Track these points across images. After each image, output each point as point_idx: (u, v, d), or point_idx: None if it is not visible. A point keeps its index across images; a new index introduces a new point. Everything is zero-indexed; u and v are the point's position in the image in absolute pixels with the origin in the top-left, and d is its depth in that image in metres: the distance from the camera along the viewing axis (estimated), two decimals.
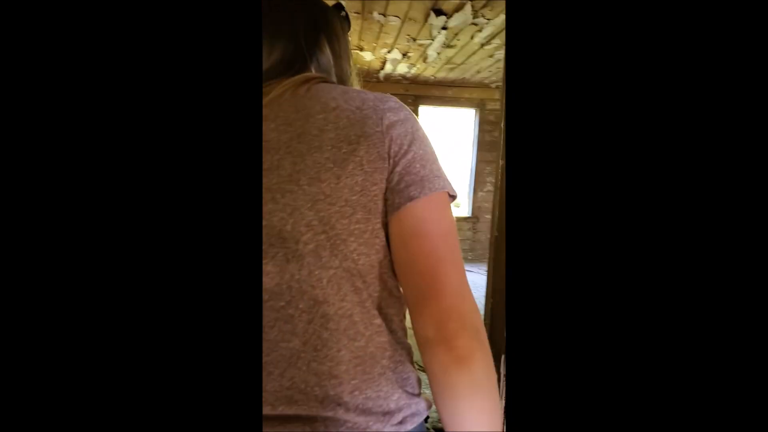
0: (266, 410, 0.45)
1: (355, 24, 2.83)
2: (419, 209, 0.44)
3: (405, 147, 0.46)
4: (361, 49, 3.53)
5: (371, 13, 2.60)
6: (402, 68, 4.17)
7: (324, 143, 0.45)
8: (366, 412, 0.45)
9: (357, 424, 0.45)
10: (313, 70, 0.55)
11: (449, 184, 0.47)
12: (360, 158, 0.45)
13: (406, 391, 0.48)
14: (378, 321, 0.46)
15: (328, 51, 0.58)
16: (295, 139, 0.46)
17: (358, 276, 0.46)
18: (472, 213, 5.29)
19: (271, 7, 0.55)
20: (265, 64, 0.53)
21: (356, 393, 0.45)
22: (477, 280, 4.44)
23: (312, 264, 0.45)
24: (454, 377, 0.41)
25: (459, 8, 2.46)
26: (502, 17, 2.56)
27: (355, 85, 0.63)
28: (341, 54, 0.60)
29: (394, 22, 2.75)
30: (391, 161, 0.46)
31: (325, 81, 0.53)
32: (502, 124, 1.69)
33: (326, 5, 0.60)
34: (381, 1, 2.43)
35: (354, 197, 0.45)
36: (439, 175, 0.46)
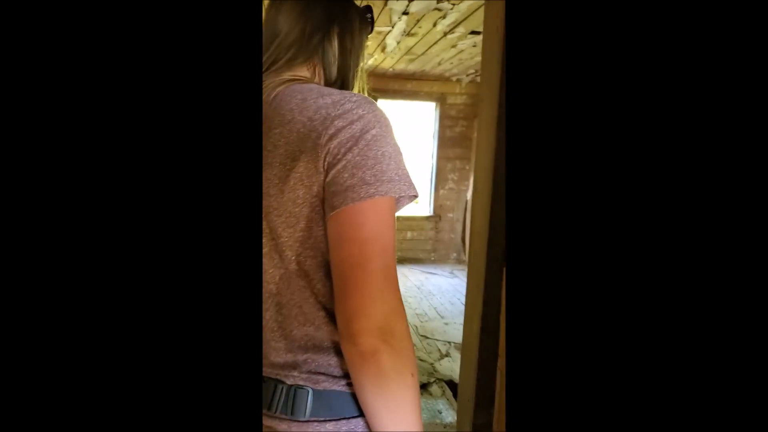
0: None
1: None
2: (341, 218, 0.48)
3: (339, 156, 0.48)
4: None
5: None
6: None
7: (275, 160, 0.51)
8: (318, 374, 0.53)
9: (310, 379, 0.53)
10: (316, 61, 0.60)
11: (386, 187, 0.48)
12: (300, 174, 0.50)
13: None
14: (322, 313, 0.53)
15: (335, 44, 0.61)
16: None
17: (304, 275, 0.52)
18: (434, 211, 5.12)
19: None
20: (270, 48, 0.58)
21: (309, 361, 0.53)
22: (441, 283, 4.27)
23: (267, 264, 0.54)
24: (357, 373, 0.47)
25: None
26: (468, 3, 2.35)
27: (358, 83, 0.65)
28: (350, 50, 0.62)
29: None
30: (325, 173, 0.49)
31: (302, 81, 0.57)
32: (478, 121, 1.48)
33: (350, 0, 0.63)
34: None
35: (296, 209, 0.51)
36: (371, 182, 0.47)
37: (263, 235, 0.53)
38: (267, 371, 0.55)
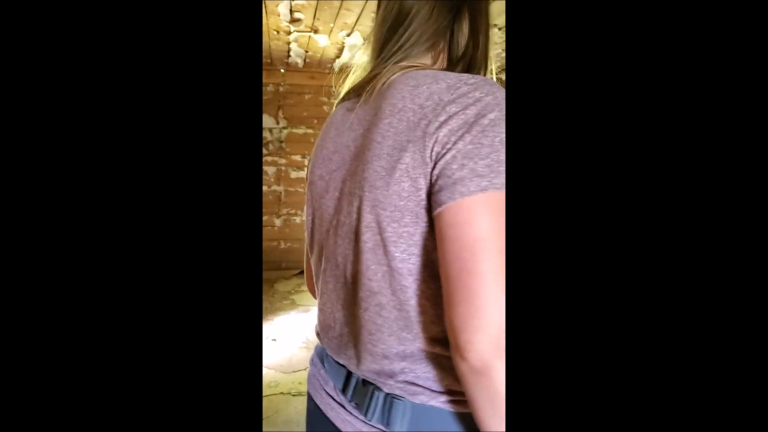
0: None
1: None
2: (448, 215, 0.43)
3: (449, 145, 0.44)
4: (316, 32, 3.00)
5: None
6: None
7: (382, 152, 0.49)
8: (416, 385, 0.50)
9: (406, 390, 0.50)
10: (442, 45, 0.57)
11: (501, 179, 0.42)
12: (406, 165, 0.46)
13: (452, 374, 0.48)
14: (424, 318, 0.49)
15: (465, 25, 0.57)
16: (366, 147, 0.51)
17: (407, 274, 0.48)
18: None
19: None
20: (390, 36, 0.56)
21: (406, 371, 0.50)
22: None
23: (369, 260, 0.50)
24: (469, 389, 0.43)
25: None
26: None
27: (485, 64, 0.60)
28: (480, 29, 0.58)
29: None
30: (432, 163, 0.45)
31: (419, 68, 0.53)
32: None
33: None
34: None
35: (401, 203, 0.47)
36: (484, 174, 0.43)
37: (369, 229, 0.49)
38: (364, 374, 0.54)
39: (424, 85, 0.47)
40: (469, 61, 0.57)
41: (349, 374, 0.57)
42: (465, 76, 0.47)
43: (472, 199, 0.42)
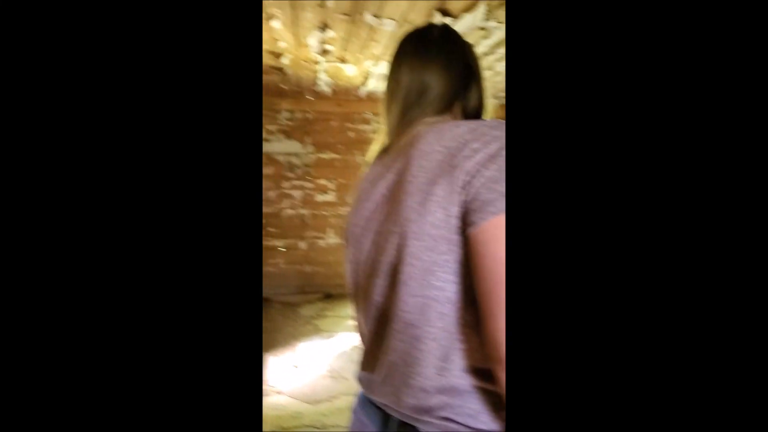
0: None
1: (341, 29, 2.37)
2: (481, 233, 0.47)
3: (476, 174, 0.48)
4: (343, 61, 3.08)
5: (362, 14, 2.16)
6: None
7: (415, 189, 0.52)
8: (455, 422, 0.50)
9: (446, 428, 0.50)
10: (460, 107, 0.64)
11: None
12: (437, 196, 0.50)
13: (491, 409, 0.50)
14: (463, 346, 0.50)
15: (473, 87, 0.64)
16: (399, 189, 0.55)
17: (446, 303, 0.50)
18: None
19: (421, 44, 0.65)
20: (416, 101, 0.62)
21: (444, 406, 0.51)
22: None
23: (405, 292, 0.53)
24: None
25: (469, 9, 2.05)
26: None
27: (486, 107, 0.67)
28: (483, 86, 0.66)
29: (389, 26, 2.32)
30: (463, 191, 0.49)
31: (442, 122, 0.58)
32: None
33: (468, 42, 0.67)
34: (375, 1, 1.98)
35: (435, 231, 0.50)
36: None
37: (405, 261, 0.52)
38: (400, 413, 0.55)
39: (448, 131, 0.53)
40: (478, 111, 0.66)
41: (387, 417, 0.58)
42: (481, 121, 0.54)
43: (502, 216, 0.46)
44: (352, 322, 3.88)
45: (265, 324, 3.70)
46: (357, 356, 3.02)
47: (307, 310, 4.14)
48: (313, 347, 3.24)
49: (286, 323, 3.76)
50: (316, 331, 3.59)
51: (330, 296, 4.59)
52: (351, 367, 2.91)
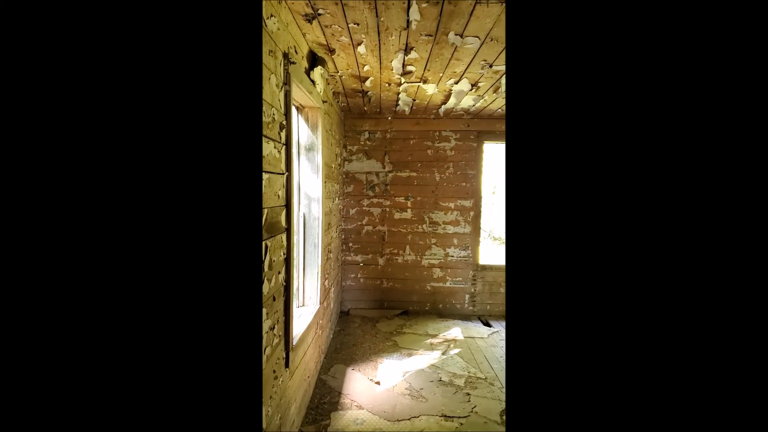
0: None
1: (424, 49, 2.42)
2: None
3: None
4: (425, 82, 3.13)
5: (446, 34, 2.18)
6: (467, 102, 3.73)
7: None
8: None
9: None
10: None
11: None
12: None
13: None
14: None
15: None
16: None
17: None
18: None
19: None
20: None
21: None
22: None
23: None
24: None
25: None
26: None
27: None
28: None
29: (472, 44, 2.32)
30: None
31: None
32: None
33: None
34: (461, 18, 2.00)
35: None
36: None
37: None
38: None
39: None
40: None
41: None
42: None
43: None
44: (430, 341, 3.80)
45: (346, 338, 3.80)
46: (435, 376, 2.94)
47: (385, 326, 4.17)
48: (393, 365, 3.25)
49: (366, 338, 3.82)
50: (396, 348, 3.60)
51: (407, 313, 4.59)
52: (430, 387, 2.86)
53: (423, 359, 3.36)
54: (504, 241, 11.03)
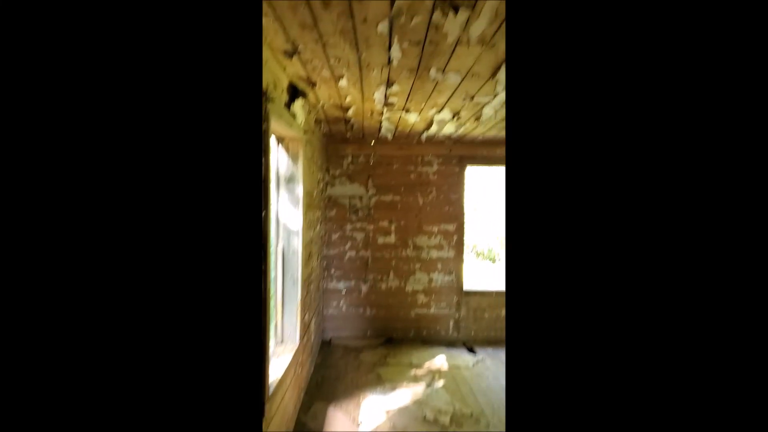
0: None
1: (405, 83, 2.40)
2: None
3: None
4: (407, 111, 3.10)
5: (428, 70, 2.16)
6: (449, 129, 3.72)
7: None
8: None
9: None
10: None
11: None
12: None
13: None
14: None
15: None
16: None
17: None
18: None
19: None
20: None
21: None
22: None
23: None
24: None
25: None
26: None
27: None
28: None
29: (453, 79, 2.30)
30: None
31: None
32: None
33: None
34: (442, 57, 1.98)
35: None
36: None
37: None
38: None
39: None
40: None
41: None
42: None
43: None
44: (414, 372, 3.71)
45: (327, 371, 3.67)
46: (420, 413, 2.84)
47: (368, 356, 4.06)
48: (376, 401, 3.14)
49: (348, 370, 3.70)
50: (379, 381, 3.49)
51: (391, 341, 4.49)
52: (414, 427, 2.76)
53: (407, 394, 3.26)
54: (487, 256, 11.08)
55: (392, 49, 1.87)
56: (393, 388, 3.35)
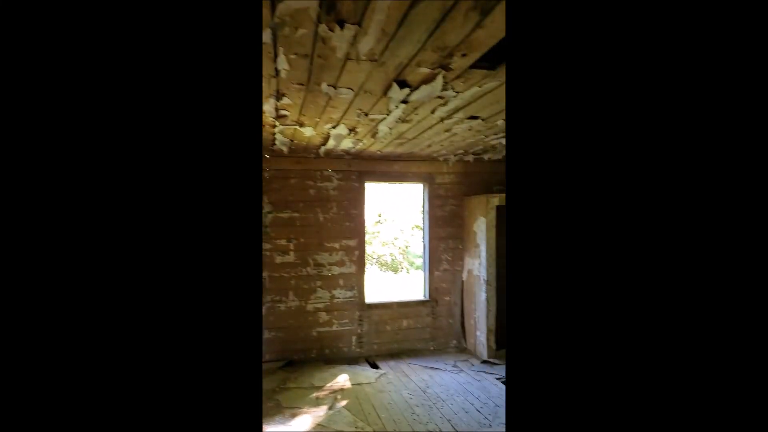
0: None
1: (296, 96, 2.31)
2: None
3: None
4: (301, 125, 3.01)
5: (319, 84, 2.11)
6: (346, 144, 3.71)
7: None
8: None
9: None
10: None
11: None
12: None
13: None
14: None
15: None
16: None
17: None
18: (430, 296, 4.75)
19: None
20: None
21: None
22: (448, 382, 3.78)
23: None
24: None
25: (428, 80, 2.05)
26: (474, 90, 2.21)
27: None
28: None
29: (346, 95, 2.28)
30: None
31: None
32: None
33: None
34: (333, 71, 1.94)
35: None
36: None
37: None
38: None
39: None
40: None
41: None
42: None
43: None
44: (315, 394, 3.55)
45: None
46: None
47: (267, 383, 3.80)
48: None
49: None
50: (278, 409, 3.27)
51: (291, 363, 4.27)
52: None
53: (307, 420, 3.10)
54: (390, 267, 11.33)
55: (278, 60, 1.78)
56: (293, 416, 3.16)
